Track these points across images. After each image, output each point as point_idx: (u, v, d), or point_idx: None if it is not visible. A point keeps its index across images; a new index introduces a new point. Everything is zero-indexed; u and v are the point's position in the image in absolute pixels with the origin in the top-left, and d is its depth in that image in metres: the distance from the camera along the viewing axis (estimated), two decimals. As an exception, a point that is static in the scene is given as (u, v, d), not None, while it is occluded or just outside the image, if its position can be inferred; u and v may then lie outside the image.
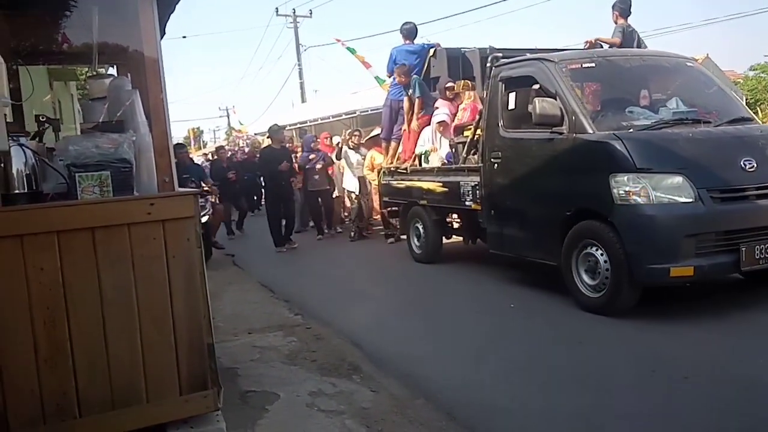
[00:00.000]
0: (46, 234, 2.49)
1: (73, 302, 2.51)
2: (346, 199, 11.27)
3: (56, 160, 2.95)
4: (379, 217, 10.46)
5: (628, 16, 7.21)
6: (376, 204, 10.20)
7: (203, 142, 57.39)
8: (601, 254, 4.97)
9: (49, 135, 3.86)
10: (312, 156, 10.83)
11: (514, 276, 6.56)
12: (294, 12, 29.70)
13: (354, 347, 4.65)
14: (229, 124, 49.74)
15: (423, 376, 4.04)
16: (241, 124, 35.49)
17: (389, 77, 8.53)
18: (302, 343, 4.67)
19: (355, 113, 20.22)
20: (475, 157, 6.83)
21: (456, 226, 8.00)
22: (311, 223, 11.73)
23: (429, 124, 8.04)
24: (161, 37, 3.59)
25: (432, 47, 8.50)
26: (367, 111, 19.70)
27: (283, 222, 10.09)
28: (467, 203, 6.72)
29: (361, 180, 10.36)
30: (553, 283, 5.63)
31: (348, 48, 20.72)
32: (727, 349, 4.19)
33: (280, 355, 4.38)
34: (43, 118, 3.75)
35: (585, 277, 5.16)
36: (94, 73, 4.11)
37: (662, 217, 4.73)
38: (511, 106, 5.96)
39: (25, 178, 2.79)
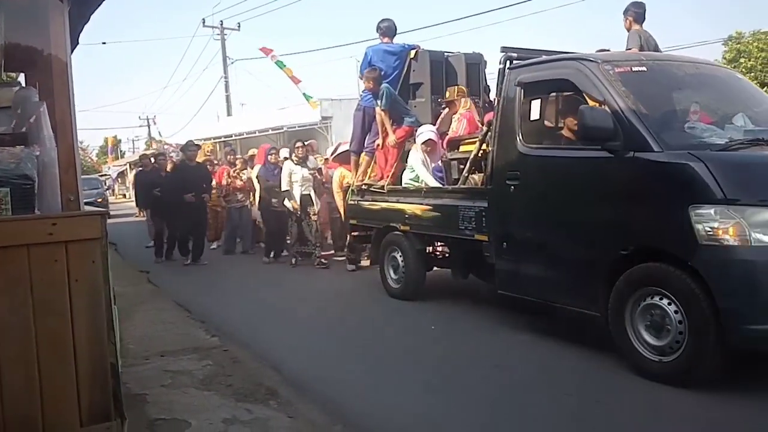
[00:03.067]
0: (-66, 254, 2.30)
1: (-38, 329, 2.32)
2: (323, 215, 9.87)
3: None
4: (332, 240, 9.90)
5: (643, 21, 6.33)
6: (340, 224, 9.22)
7: (121, 151, 55.42)
8: (672, 307, 3.90)
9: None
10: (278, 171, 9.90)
11: (528, 324, 5.45)
12: (221, 24, 29.28)
13: (273, 371, 4.54)
14: (149, 134, 48.26)
15: (343, 402, 3.98)
16: (161, 135, 34.57)
17: (363, 79, 7.51)
18: (218, 366, 4.52)
19: (282, 128, 20.10)
20: (476, 176, 5.98)
21: (441, 256, 6.93)
22: (261, 244, 11.08)
23: (404, 139, 7.13)
24: (74, 47, 3.45)
25: (413, 48, 7.40)
26: (295, 127, 19.65)
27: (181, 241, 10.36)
28: (468, 232, 5.63)
29: (305, 198, 9.30)
30: (577, 334, 4.94)
31: (277, 62, 20.61)
32: None
33: (193, 380, 4.22)
34: (-61, 126, 3.50)
35: (646, 335, 4.07)
36: (1, 80, 3.90)
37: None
38: (534, 116, 4.95)
39: None
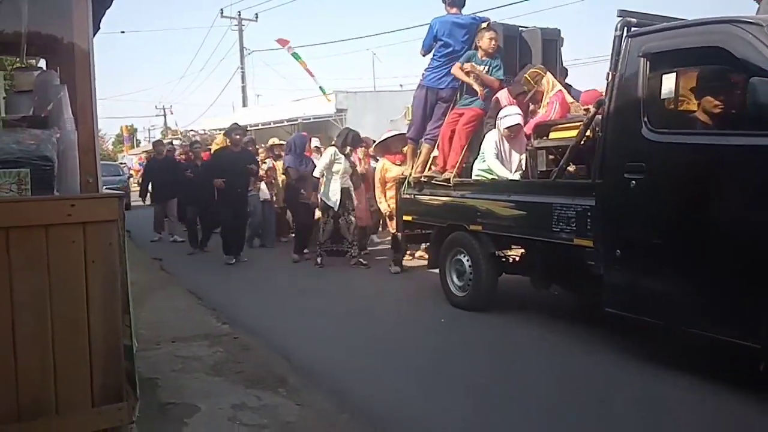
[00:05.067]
0: (-45, 232, 2.34)
1: (-20, 307, 2.36)
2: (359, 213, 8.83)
3: (-29, 155, 2.78)
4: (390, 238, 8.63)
5: None
6: (392, 225, 8.08)
7: (137, 140, 55.79)
8: None
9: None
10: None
11: (627, 348, 4.61)
12: (239, 15, 29.37)
13: (283, 359, 4.58)
14: (165, 123, 48.58)
15: (351, 389, 4.01)
16: (177, 125, 34.80)
17: (423, 55, 6.60)
18: (228, 353, 4.56)
19: (297, 120, 20.15)
20: (570, 168, 5.15)
21: (516, 260, 5.92)
22: (284, 239, 10.84)
23: (473, 123, 6.19)
24: (95, 33, 3.48)
25: (483, 21, 6.43)
26: (309, 119, 19.70)
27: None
28: (564, 236, 4.72)
29: (345, 192, 8.37)
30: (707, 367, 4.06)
31: (293, 54, 20.67)
32: None
33: (204, 366, 4.27)
34: (-40, 108, 3.56)
35: None
36: (22, 65, 3.94)
37: None
38: (666, 93, 4.05)
39: (-66, 172, 2.62)
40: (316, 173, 8.50)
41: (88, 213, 2.55)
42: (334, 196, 8.26)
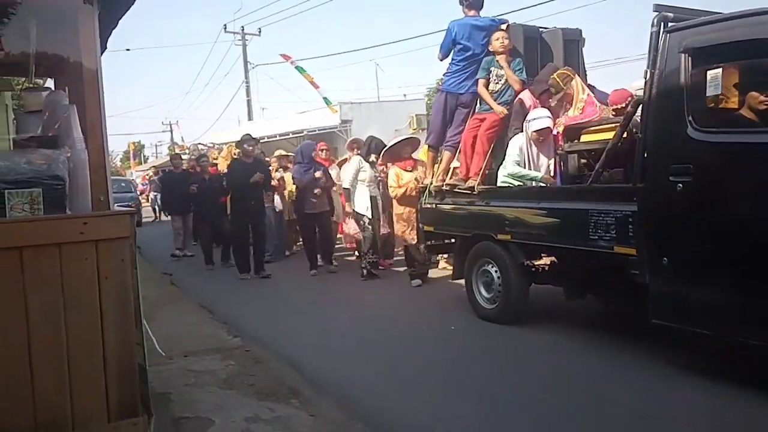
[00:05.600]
0: (-31, 253, 2.38)
1: (-3, 326, 2.39)
2: (351, 225, 8.81)
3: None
4: (400, 248, 8.57)
5: None
6: (400, 233, 7.94)
7: (144, 156, 56.12)
8: None
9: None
10: (318, 174, 8.75)
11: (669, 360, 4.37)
12: (243, 30, 29.54)
13: (294, 371, 4.59)
14: (172, 139, 48.87)
15: (363, 400, 4.01)
16: (183, 140, 35.04)
17: (441, 60, 6.38)
18: (240, 366, 4.57)
19: (302, 132, 20.23)
20: (606, 173, 4.82)
21: (546, 269, 5.40)
22: (287, 252, 10.74)
23: (497, 128, 5.94)
24: (102, 52, 3.52)
25: (503, 23, 6.24)
26: (315, 130, 19.76)
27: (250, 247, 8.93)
28: (603, 243, 4.43)
29: (372, 201, 8.25)
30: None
31: (297, 67, 20.78)
32: None
33: (216, 380, 4.28)
34: (-25, 129, 3.61)
35: None
36: (31, 85, 4.00)
37: None
38: (713, 90, 3.79)
39: (-52, 194, 2.66)
40: (346, 184, 8.36)
41: (100, 231, 2.59)
42: (364, 204, 8.16)
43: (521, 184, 5.59)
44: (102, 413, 2.54)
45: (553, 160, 5.65)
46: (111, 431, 2.53)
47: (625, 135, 4.59)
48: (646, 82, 4.23)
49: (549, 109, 5.65)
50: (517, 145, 5.63)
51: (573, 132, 5.40)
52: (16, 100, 12.40)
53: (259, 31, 29.77)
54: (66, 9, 2.99)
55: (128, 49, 28.89)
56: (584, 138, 5.27)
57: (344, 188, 8.49)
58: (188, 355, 4.86)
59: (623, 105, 5.11)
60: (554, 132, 5.63)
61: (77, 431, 2.47)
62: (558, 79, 5.60)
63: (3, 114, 11.94)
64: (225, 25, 29.34)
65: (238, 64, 30.09)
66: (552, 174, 5.63)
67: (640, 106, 4.32)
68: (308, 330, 5.97)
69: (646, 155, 4.17)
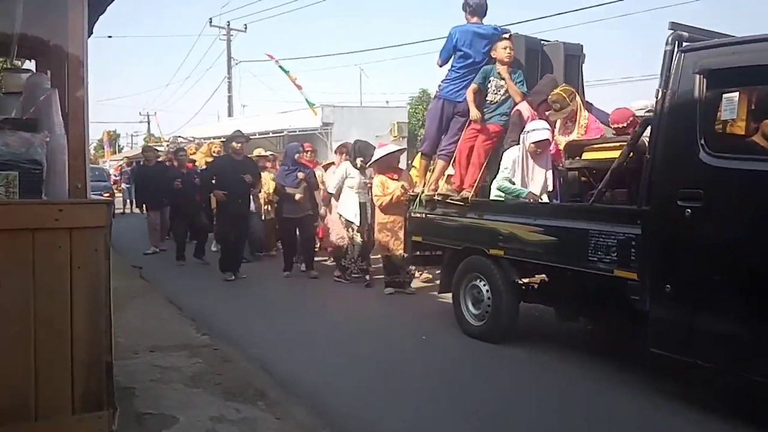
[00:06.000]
0: (-61, 233, 2.32)
1: (-37, 309, 2.33)
2: (334, 230, 8.62)
3: (-41, 155, 2.76)
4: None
5: None
6: (383, 241, 7.64)
7: (119, 146, 55.32)
8: None
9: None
10: (301, 175, 8.54)
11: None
12: (228, 24, 29.41)
13: (263, 372, 4.55)
14: (149, 130, 48.27)
15: (333, 405, 3.99)
16: (160, 132, 34.67)
17: (440, 66, 6.22)
18: (207, 365, 4.51)
19: (282, 132, 20.17)
20: (608, 193, 4.66)
21: (538, 288, 5.32)
22: (263, 253, 10.51)
23: (495, 140, 5.84)
24: (88, 37, 3.47)
25: (504, 32, 6.07)
26: (295, 131, 19.71)
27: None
28: (602, 266, 4.28)
29: (362, 207, 8.06)
30: None
31: (281, 67, 20.70)
32: None
33: (182, 377, 4.21)
34: (-52, 108, 3.52)
35: None
36: (11, 66, 3.93)
37: None
38: (728, 114, 3.72)
39: None
40: (330, 189, 8.28)
41: (76, 218, 2.55)
42: (353, 211, 7.99)
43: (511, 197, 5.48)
44: (67, 404, 2.49)
45: (550, 173, 5.53)
46: (75, 423, 2.49)
47: (630, 155, 4.45)
48: (656, 102, 4.08)
49: (547, 122, 5.56)
50: (510, 158, 5.51)
51: (574, 149, 5.28)
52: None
53: (245, 28, 29.65)
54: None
55: (110, 36, 28.43)
56: (586, 156, 5.15)
57: (328, 192, 8.40)
58: (155, 350, 4.78)
59: (624, 125, 5.09)
60: (552, 147, 5.57)
61: (41, 421, 2.42)
62: (564, 95, 5.45)
63: (-22, 93, 11.68)
64: (210, 18, 29.22)
65: (221, 59, 30.02)
66: (550, 188, 5.53)
67: (649, 126, 4.20)
68: (280, 332, 5.92)
69: (653, 177, 4.02)
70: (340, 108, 20.44)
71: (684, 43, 4.01)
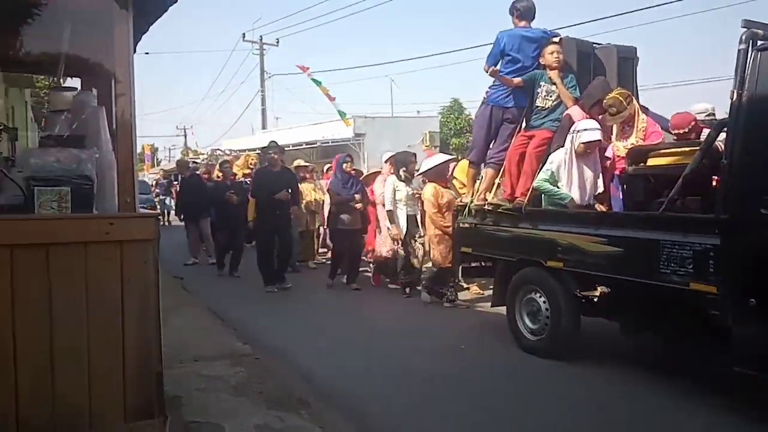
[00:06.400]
0: (-2, 247, 2.41)
1: (21, 320, 2.41)
2: (389, 244, 8.31)
3: (14, 172, 2.87)
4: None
5: None
6: (439, 255, 7.33)
7: (157, 159, 56.45)
8: None
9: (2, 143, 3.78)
10: (357, 196, 8.49)
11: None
12: (261, 39, 29.86)
13: (304, 381, 4.59)
14: (185, 143, 49.24)
15: (375, 417, 4.00)
16: (197, 145, 35.28)
17: (487, 71, 5.98)
18: (250, 373, 4.57)
19: (315, 143, 20.38)
20: (678, 201, 4.39)
21: (599, 301, 4.99)
22: (313, 264, 10.52)
23: (543, 145, 5.57)
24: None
25: (554, 35, 5.90)
26: (328, 142, 19.91)
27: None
28: (677, 279, 4.00)
29: (410, 219, 7.95)
30: None
31: (313, 79, 20.95)
32: None
33: (226, 386, 4.28)
34: (0, 126, 3.66)
35: None
36: (59, 85, 4.06)
37: None
38: None
39: (-21, 188, 2.70)
40: (388, 206, 8.06)
41: (126, 232, 2.63)
42: (401, 224, 7.88)
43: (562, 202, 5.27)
44: (119, 413, 2.55)
45: (600, 178, 5.37)
46: (127, 431, 2.55)
47: (703, 160, 4.19)
48: (732, 104, 3.89)
49: (601, 125, 5.35)
50: (556, 160, 5.33)
51: (638, 154, 5.03)
52: (35, 98, 12.51)
53: (277, 42, 30.06)
54: (101, 13, 3.04)
55: (147, 53, 29.06)
56: (651, 161, 4.89)
57: (387, 210, 8.13)
58: (199, 359, 4.87)
59: (686, 129, 4.95)
60: (609, 153, 5.41)
61: (94, 429, 2.48)
62: (620, 98, 5.24)
63: (23, 111, 12.06)
64: (244, 34, 29.73)
65: (255, 73, 30.47)
66: (600, 190, 5.35)
67: (724, 130, 4.00)
68: (319, 341, 5.95)
69: (731, 184, 3.81)
70: (372, 118, 20.60)
71: (759, 42, 3.82)
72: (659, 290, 4.18)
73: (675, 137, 5.09)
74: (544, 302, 5.15)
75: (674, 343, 4.88)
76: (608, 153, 5.48)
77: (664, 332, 4.68)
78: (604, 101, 5.36)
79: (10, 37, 4.08)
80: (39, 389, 2.42)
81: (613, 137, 5.45)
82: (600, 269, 4.66)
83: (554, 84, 5.65)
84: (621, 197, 5.29)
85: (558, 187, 5.28)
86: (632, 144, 5.19)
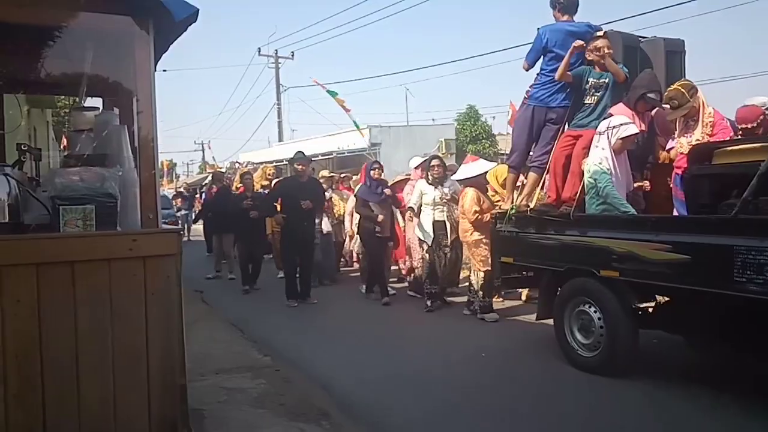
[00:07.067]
0: (25, 266, 2.47)
1: (48, 336, 2.48)
2: (417, 252, 8.13)
3: (39, 191, 2.95)
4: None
5: None
6: (480, 264, 6.98)
7: (176, 174, 57.06)
8: None
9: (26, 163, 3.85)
10: (387, 190, 8.28)
11: None
12: (276, 53, 30.16)
13: (324, 392, 4.62)
14: (203, 158, 49.72)
15: (395, 426, 4.02)
16: (214, 160, 35.62)
17: (527, 69, 5.70)
18: (270, 385, 4.62)
19: (332, 154, 20.49)
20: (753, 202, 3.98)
21: (659, 313, 4.81)
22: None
23: (588, 147, 5.17)
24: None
25: (598, 29, 5.54)
26: (344, 153, 20.01)
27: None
28: (754, 288, 3.63)
29: (438, 225, 7.53)
30: None
31: (329, 91, 21.06)
32: None
33: (247, 398, 4.32)
34: (24, 146, 3.75)
35: None
36: (81, 104, 4.15)
37: None
38: None
39: (7, 208, 2.78)
40: (410, 203, 7.89)
41: (149, 248, 2.68)
42: (426, 229, 7.55)
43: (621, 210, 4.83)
44: (144, 426, 2.60)
45: (631, 177, 5.15)
46: (152, 445, 2.59)
47: None
48: None
49: (665, 125, 5.15)
50: (602, 156, 4.96)
51: (702, 152, 4.66)
52: (56, 117, 12.71)
53: (292, 55, 30.34)
54: (122, 34, 3.11)
55: (165, 70, 29.50)
56: (717, 160, 4.52)
57: (408, 207, 8.02)
58: (220, 372, 4.92)
59: (754, 124, 4.72)
60: (673, 150, 5.12)
61: (120, 443, 2.53)
62: (683, 90, 4.87)
63: (44, 130, 12.25)
64: (259, 48, 30.06)
65: (270, 86, 30.77)
66: (631, 188, 5.10)
67: None
68: (339, 351, 5.98)
69: None
70: (387, 128, 20.68)
71: None
72: (733, 300, 3.85)
73: (740, 132, 4.82)
74: (597, 314, 4.82)
75: (748, 357, 4.51)
76: (669, 149, 5.20)
77: (738, 346, 4.31)
78: (665, 93, 5.05)
79: (33, 59, 4.18)
80: (65, 402, 2.48)
81: (676, 133, 5.13)
82: (663, 279, 4.30)
83: (600, 77, 5.36)
84: (684, 199, 4.87)
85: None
86: (697, 140, 4.87)
